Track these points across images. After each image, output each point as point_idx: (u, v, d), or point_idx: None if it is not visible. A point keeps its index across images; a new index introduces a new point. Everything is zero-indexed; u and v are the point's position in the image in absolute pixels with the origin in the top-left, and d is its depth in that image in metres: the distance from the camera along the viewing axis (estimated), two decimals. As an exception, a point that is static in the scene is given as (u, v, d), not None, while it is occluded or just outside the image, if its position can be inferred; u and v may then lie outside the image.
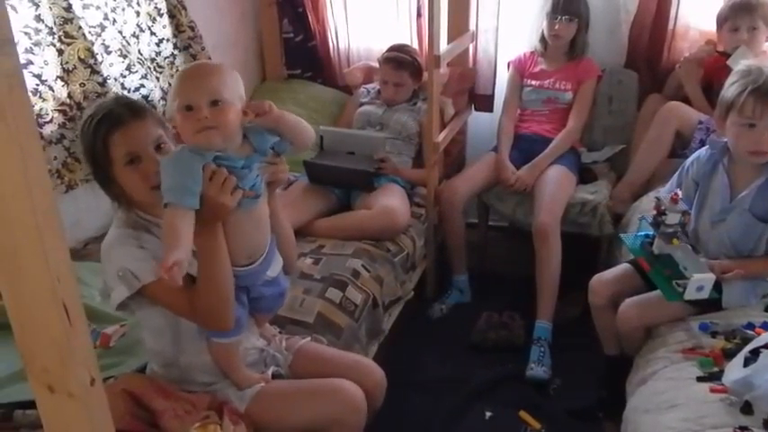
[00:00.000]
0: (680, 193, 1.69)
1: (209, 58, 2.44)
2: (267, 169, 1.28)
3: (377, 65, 2.69)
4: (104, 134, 1.25)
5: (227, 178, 1.17)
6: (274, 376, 1.45)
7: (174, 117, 1.20)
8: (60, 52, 1.92)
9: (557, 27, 2.49)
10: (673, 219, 1.65)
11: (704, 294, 1.59)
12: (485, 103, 2.84)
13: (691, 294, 1.59)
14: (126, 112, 1.27)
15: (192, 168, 1.14)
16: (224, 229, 1.24)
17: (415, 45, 2.79)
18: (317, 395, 1.39)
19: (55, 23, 1.90)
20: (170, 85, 2.32)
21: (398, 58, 2.55)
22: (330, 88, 3.01)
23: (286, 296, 1.48)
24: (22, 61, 1.82)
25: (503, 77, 2.74)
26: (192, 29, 2.41)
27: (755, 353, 1.35)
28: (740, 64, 1.66)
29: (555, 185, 2.39)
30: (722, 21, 2.34)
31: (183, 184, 1.12)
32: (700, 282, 1.57)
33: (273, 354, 1.50)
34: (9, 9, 1.75)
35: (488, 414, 2.03)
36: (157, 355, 1.39)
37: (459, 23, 2.70)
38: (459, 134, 2.82)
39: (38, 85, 1.87)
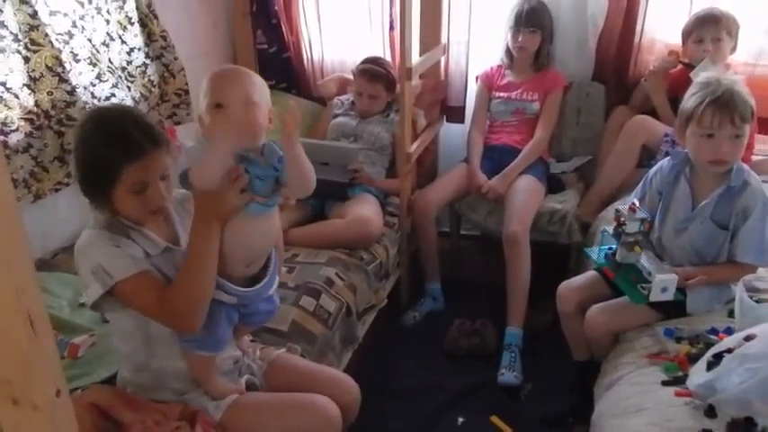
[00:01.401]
0: (637, 202, 1.73)
1: (182, 68, 2.43)
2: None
3: (350, 76, 2.71)
4: (119, 159, 1.19)
5: (239, 176, 1.19)
6: (248, 385, 1.44)
7: (202, 115, 1.24)
8: (26, 60, 1.89)
9: (520, 39, 2.54)
10: (632, 227, 1.69)
11: (669, 295, 1.63)
12: (456, 114, 2.88)
13: (656, 296, 1.62)
14: (146, 141, 1.21)
15: None
16: (226, 228, 1.24)
17: (388, 57, 2.81)
18: (293, 409, 1.38)
19: (20, 30, 1.86)
20: (141, 94, 2.30)
21: (373, 71, 2.57)
22: (304, 99, 3.01)
23: (276, 313, 1.49)
24: (-14, 69, 1.79)
25: (474, 89, 2.77)
26: (165, 38, 2.38)
27: (718, 357, 1.38)
28: (700, 76, 1.71)
29: (524, 195, 2.42)
30: (687, 34, 2.39)
31: None
32: (663, 283, 1.61)
33: (248, 363, 1.49)
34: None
35: (461, 420, 2.04)
36: (128, 360, 1.37)
37: (431, 36, 2.73)
38: (432, 145, 2.85)
39: (2, 92, 1.83)
